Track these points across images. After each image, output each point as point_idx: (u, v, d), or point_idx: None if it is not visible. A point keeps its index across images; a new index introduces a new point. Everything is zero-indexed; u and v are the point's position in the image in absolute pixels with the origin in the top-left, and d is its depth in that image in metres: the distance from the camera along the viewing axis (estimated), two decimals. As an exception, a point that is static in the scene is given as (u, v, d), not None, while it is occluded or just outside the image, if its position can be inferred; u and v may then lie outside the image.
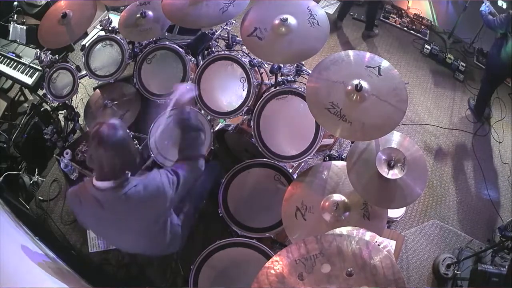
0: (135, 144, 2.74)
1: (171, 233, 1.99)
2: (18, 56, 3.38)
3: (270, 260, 1.20)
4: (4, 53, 3.40)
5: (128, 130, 2.67)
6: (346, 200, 1.99)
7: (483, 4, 3.26)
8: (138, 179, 1.71)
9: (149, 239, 1.90)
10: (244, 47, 2.80)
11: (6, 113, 3.54)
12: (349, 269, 1.09)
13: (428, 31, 4.36)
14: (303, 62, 2.58)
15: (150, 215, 1.76)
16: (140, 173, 1.90)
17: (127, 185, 1.66)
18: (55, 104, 3.23)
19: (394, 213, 2.58)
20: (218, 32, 2.93)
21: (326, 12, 2.25)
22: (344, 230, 1.49)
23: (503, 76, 3.49)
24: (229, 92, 2.58)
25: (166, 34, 3.25)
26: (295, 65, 2.56)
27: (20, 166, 3.39)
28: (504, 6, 3.61)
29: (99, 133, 1.55)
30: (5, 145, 3.23)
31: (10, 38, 3.54)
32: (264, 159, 2.38)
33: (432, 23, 4.47)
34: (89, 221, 1.86)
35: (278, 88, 2.43)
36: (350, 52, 2.00)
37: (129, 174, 1.70)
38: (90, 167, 1.66)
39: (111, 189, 1.64)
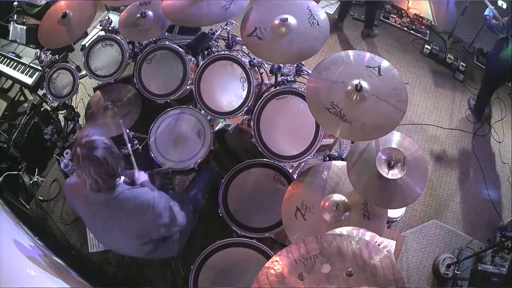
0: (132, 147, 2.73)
1: (166, 242, 2.00)
2: (18, 56, 3.37)
3: (270, 260, 1.19)
4: (4, 53, 3.40)
5: (128, 130, 2.71)
6: (346, 200, 1.98)
7: (488, 8, 3.26)
8: (130, 187, 1.78)
9: (140, 243, 1.88)
10: (244, 47, 2.80)
11: (6, 113, 3.54)
12: (349, 269, 1.09)
13: (428, 31, 4.35)
14: (303, 62, 2.58)
15: (136, 226, 1.78)
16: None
17: (118, 188, 1.72)
18: (55, 104, 3.22)
19: (394, 213, 2.58)
20: (218, 32, 2.93)
21: (326, 12, 2.25)
22: (344, 230, 1.49)
23: (502, 78, 3.49)
24: (229, 92, 2.58)
25: (166, 34, 3.25)
26: (295, 65, 2.56)
27: (20, 166, 3.39)
28: (504, 6, 3.62)
29: (76, 154, 1.60)
30: (5, 145, 3.22)
31: (10, 38, 3.53)
32: (264, 159, 2.38)
33: (432, 23, 4.47)
34: (82, 215, 1.90)
35: (278, 88, 2.43)
36: (350, 52, 1.99)
37: (121, 180, 1.75)
38: None
39: (102, 193, 1.70)
